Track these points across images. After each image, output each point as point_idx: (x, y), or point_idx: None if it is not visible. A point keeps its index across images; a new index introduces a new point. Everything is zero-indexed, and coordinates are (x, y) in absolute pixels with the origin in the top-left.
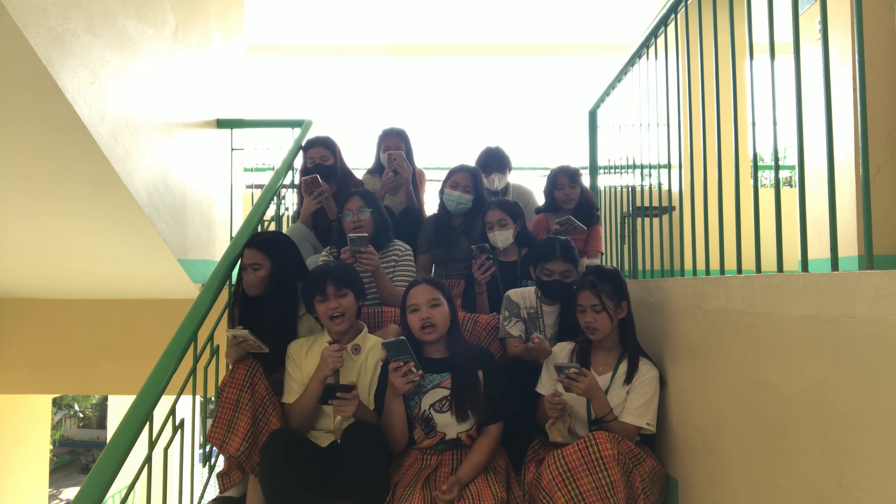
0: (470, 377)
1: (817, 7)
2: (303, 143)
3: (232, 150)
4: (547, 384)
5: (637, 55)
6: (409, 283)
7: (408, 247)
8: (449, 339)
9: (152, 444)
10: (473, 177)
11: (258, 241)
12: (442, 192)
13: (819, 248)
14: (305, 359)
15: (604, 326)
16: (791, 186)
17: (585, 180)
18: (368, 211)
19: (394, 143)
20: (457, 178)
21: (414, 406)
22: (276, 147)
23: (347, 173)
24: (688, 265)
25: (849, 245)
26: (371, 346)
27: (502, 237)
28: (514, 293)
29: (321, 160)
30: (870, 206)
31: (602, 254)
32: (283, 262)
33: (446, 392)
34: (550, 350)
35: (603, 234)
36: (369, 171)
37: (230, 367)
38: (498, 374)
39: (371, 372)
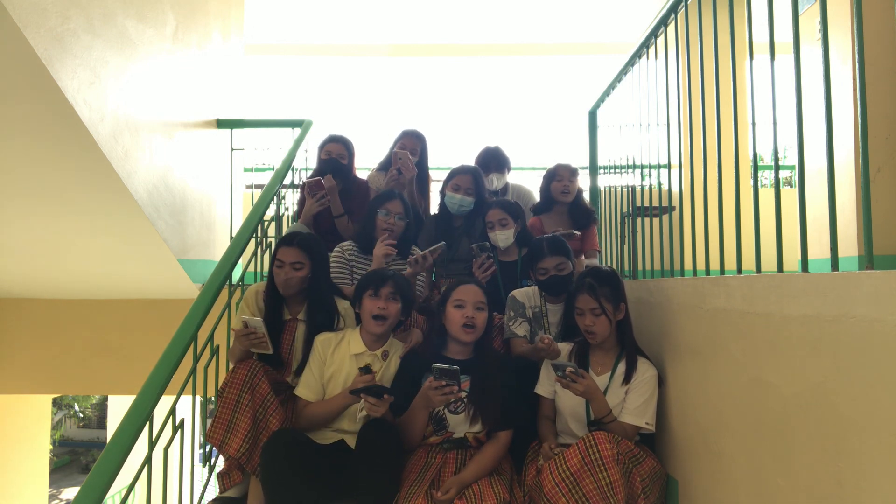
0: (491, 385)
1: (817, 7)
2: (306, 138)
3: (232, 150)
4: (546, 385)
5: (637, 55)
6: (459, 280)
7: (420, 251)
8: (477, 343)
9: (152, 444)
10: (475, 178)
11: (301, 241)
12: (443, 194)
13: (819, 248)
14: (331, 356)
15: (603, 330)
16: (791, 186)
17: (585, 181)
18: (405, 222)
19: (410, 143)
20: (458, 180)
21: None
22: (276, 147)
23: (355, 177)
24: (688, 265)
25: (849, 245)
26: (396, 350)
27: (503, 237)
28: (518, 293)
29: (338, 156)
30: (870, 206)
31: (599, 251)
32: (322, 263)
33: (463, 394)
34: (559, 351)
35: (597, 233)
36: (379, 168)
37: (230, 365)
38: (513, 382)
39: (392, 374)
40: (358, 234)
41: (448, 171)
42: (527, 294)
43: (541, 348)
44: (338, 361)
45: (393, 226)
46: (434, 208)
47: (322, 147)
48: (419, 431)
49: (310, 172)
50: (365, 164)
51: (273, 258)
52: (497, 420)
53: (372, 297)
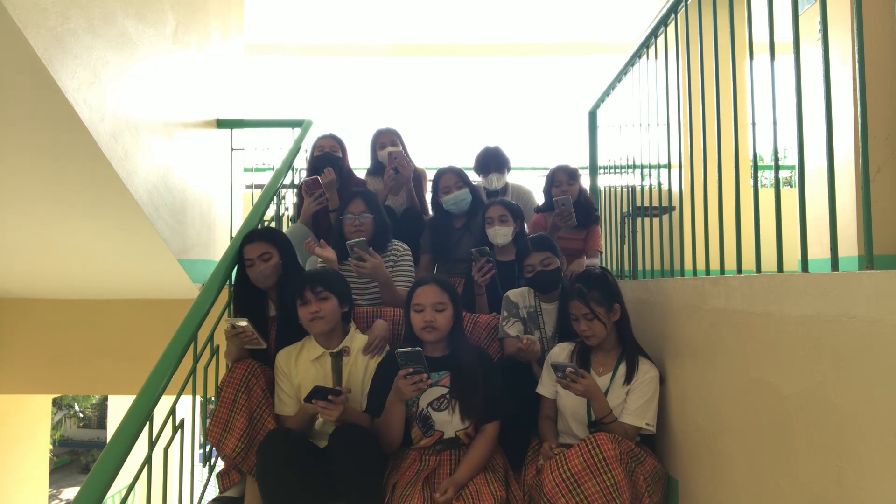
0: (469, 376)
1: (817, 7)
2: (306, 138)
3: (232, 150)
4: (548, 385)
5: (637, 55)
6: (418, 281)
7: (406, 247)
8: (450, 339)
9: (152, 444)
10: (457, 174)
11: (260, 234)
12: (438, 203)
13: (819, 248)
14: (294, 367)
15: (598, 333)
16: (791, 186)
17: (585, 181)
18: (370, 216)
19: (388, 139)
20: (444, 182)
21: (412, 405)
22: (276, 147)
23: (351, 173)
24: (688, 265)
25: (849, 245)
26: (360, 346)
27: (502, 233)
28: (513, 293)
29: (331, 150)
30: (870, 206)
31: (601, 253)
32: (289, 250)
33: (444, 391)
34: (538, 352)
35: (601, 234)
36: (369, 173)
37: (229, 366)
38: (496, 374)
39: (362, 372)
40: (335, 242)
41: (433, 181)
42: (521, 294)
43: (521, 348)
44: (302, 371)
45: (360, 226)
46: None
47: (314, 146)
48: (398, 428)
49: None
50: (364, 165)
51: (240, 261)
52: (481, 413)
53: (302, 305)
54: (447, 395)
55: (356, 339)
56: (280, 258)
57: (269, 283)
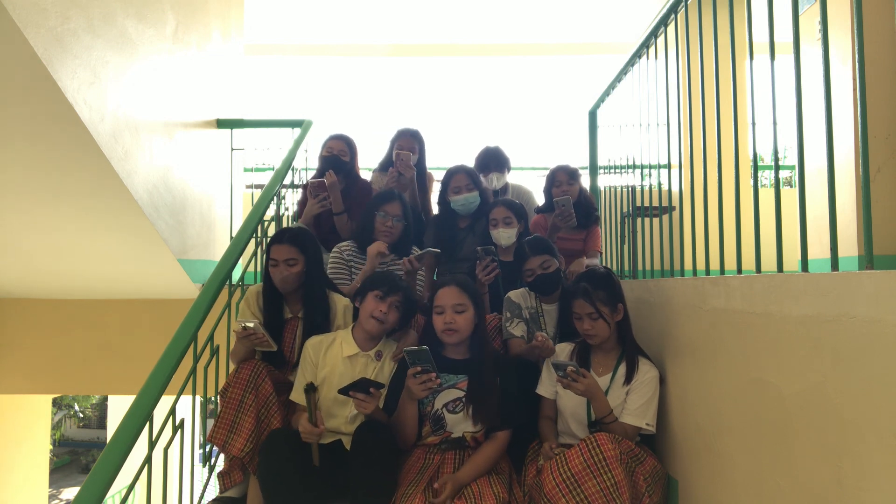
0: (488, 383)
1: (817, 7)
2: (306, 138)
3: (232, 150)
4: (547, 385)
5: (637, 55)
6: (440, 282)
7: (420, 251)
8: (472, 342)
9: (152, 444)
10: (469, 174)
11: (290, 237)
12: (446, 202)
13: (819, 248)
14: (322, 359)
15: (602, 332)
16: (791, 186)
17: (585, 181)
18: (403, 223)
19: (408, 143)
20: (455, 182)
21: (427, 404)
22: (276, 147)
23: (357, 176)
24: (688, 265)
25: (849, 245)
26: (389, 351)
27: (506, 235)
28: (514, 294)
29: (339, 152)
30: (870, 206)
31: (601, 253)
32: (316, 256)
33: (461, 394)
34: (553, 348)
35: (601, 235)
36: (380, 168)
37: (231, 366)
38: (514, 382)
39: (387, 376)
40: (356, 234)
41: (443, 179)
42: (522, 295)
43: (535, 346)
44: (330, 364)
45: (391, 228)
46: (435, 206)
47: (324, 145)
48: (411, 427)
49: (310, 173)
50: (365, 165)
51: (267, 257)
52: (494, 419)
53: (378, 298)
54: (463, 399)
55: (388, 345)
56: (304, 266)
57: (288, 289)
